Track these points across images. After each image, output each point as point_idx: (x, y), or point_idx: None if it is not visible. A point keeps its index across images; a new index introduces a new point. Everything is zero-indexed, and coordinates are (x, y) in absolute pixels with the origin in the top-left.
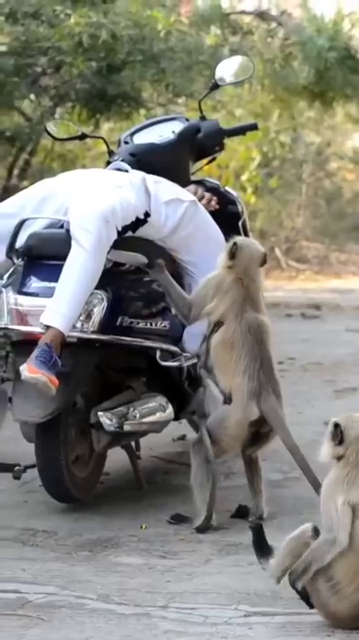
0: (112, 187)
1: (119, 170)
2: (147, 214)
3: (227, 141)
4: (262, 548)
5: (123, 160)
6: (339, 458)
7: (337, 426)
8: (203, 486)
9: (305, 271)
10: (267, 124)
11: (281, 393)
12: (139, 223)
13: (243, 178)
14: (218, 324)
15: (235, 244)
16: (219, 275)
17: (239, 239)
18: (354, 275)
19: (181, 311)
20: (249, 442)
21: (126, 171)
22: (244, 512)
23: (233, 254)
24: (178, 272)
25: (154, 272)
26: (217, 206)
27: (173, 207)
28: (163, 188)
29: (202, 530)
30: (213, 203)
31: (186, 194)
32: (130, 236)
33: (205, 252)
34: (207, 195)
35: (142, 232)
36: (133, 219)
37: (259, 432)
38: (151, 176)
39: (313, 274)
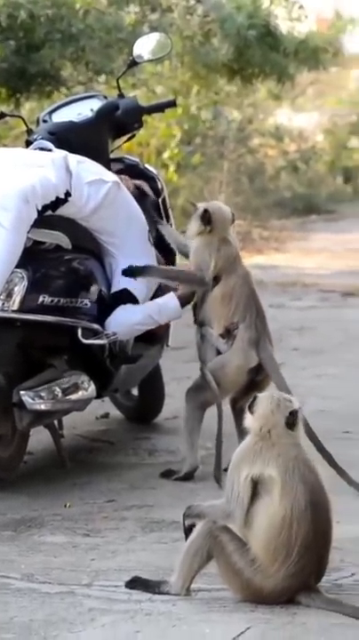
0: (32, 166)
1: (43, 149)
2: (67, 193)
3: (148, 119)
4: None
5: (42, 139)
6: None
7: (254, 397)
8: (193, 432)
9: None
10: (187, 100)
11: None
12: (59, 202)
13: (165, 155)
14: (215, 279)
15: (206, 210)
16: (202, 240)
17: (207, 205)
18: (276, 251)
19: (194, 281)
20: (243, 390)
21: (50, 150)
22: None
23: (208, 219)
24: (99, 252)
25: (147, 273)
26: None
27: (96, 187)
28: (86, 168)
29: (188, 477)
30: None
31: (109, 174)
32: (50, 214)
33: (126, 234)
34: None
35: (63, 211)
36: (53, 198)
37: (253, 380)
38: (74, 156)
39: None
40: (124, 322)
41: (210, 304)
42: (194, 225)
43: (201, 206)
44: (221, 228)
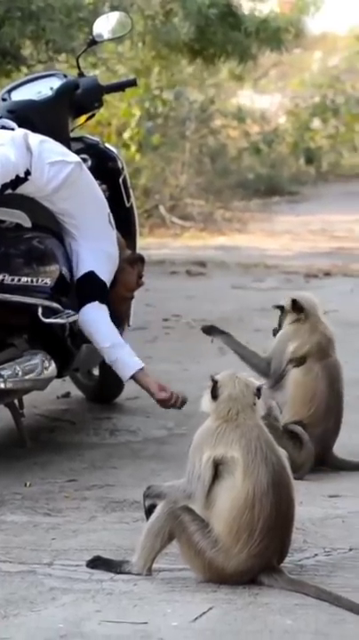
0: None
1: (4, 127)
2: (27, 172)
3: (109, 99)
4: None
5: (1, 117)
6: (214, 412)
7: (214, 381)
8: None
9: (189, 229)
10: (148, 80)
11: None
12: (19, 181)
13: (126, 135)
14: (300, 361)
15: (294, 300)
16: (292, 328)
17: (295, 296)
18: (238, 232)
19: (259, 368)
20: None
21: (12, 129)
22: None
23: (300, 309)
24: (60, 232)
25: (222, 339)
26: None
27: (58, 168)
28: (49, 148)
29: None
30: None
31: (72, 155)
32: (10, 193)
33: (87, 215)
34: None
35: (23, 190)
36: (13, 176)
37: None
38: (37, 135)
39: (197, 231)
40: (94, 324)
41: (289, 386)
42: (287, 317)
43: (292, 296)
44: (314, 316)
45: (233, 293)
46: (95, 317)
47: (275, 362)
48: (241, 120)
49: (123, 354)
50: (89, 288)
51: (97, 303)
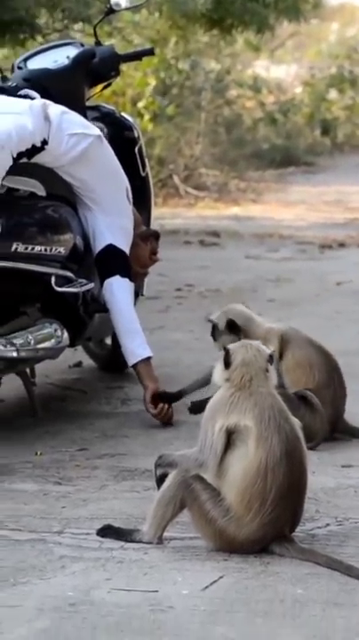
0: (9, 113)
1: (27, 97)
2: (44, 142)
3: (124, 68)
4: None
5: (16, 86)
6: (227, 381)
7: (226, 350)
8: None
9: (204, 198)
10: (164, 50)
11: None
12: (35, 150)
13: (140, 105)
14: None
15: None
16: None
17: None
18: (253, 202)
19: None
20: None
21: (33, 98)
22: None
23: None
24: (75, 202)
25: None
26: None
27: (77, 139)
28: (69, 119)
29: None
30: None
31: (93, 128)
32: (25, 162)
33: (106, 190)
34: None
35: (39, 159)
36: (29, 145)
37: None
38: (58, 106)
39: (212, 201)
40: (115, 304)
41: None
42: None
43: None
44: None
45: (246, 263)
46: (117, 296)
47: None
48: (257, 90)
49: (135, 340)
50: (110, 261)
51: (119, 277)
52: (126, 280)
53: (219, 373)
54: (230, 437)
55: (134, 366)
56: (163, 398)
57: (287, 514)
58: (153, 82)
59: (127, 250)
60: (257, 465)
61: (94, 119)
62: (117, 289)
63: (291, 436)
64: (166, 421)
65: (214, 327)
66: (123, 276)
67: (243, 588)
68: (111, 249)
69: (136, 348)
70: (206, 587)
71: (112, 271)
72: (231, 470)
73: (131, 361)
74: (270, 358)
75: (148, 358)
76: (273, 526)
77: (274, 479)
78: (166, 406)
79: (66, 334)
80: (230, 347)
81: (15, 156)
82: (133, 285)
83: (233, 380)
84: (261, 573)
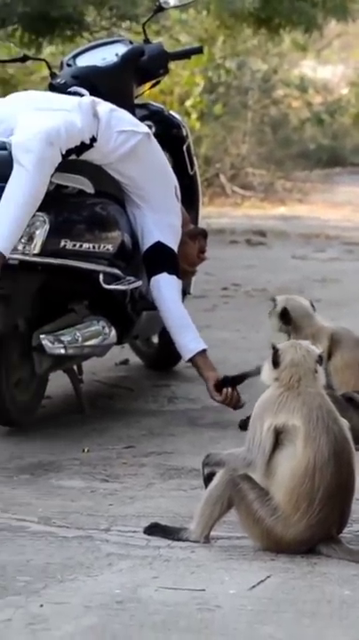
0: (59, 109)
1: (76, 94)
2: (93, 139)
3: (171, 67)
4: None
5: (65, 83)
6: (276, 380)
7: (275, 349)
8: None
9: (250, 198)
10: (211, 49)
11: None
12: (84, 147)
13: (188, 103)
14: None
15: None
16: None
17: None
18: (299, 202)
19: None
20: None
21: (82, 95)
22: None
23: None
24: (123, 200)
25: None
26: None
27: (125, 137)
28: (118, 117)
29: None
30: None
31: (141, 126)
32: (74, 159)
33: (154, 188)
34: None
35: (87, 156)
36: (78, 142)
37: None
38: (107, 103)
39: (258, 201)
40: (163, 302)
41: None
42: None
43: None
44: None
45: (293, 263)
46: (165, 294)
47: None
48: (303, 90)
49: (187, 335)
50: (158, 258)
51: (166, 274)
52: (174, 277)
53: (267, 372)
54: (278, 437)
55: (191, 361)
56: (226, 383)
57: (334, 514)
58: (201, 81)
59: (175, 248)
60: (305, 465)
61: (142, 117)
62: (165, 286)
63: (339, 437)
64: (235, 405)
65: (274, 308)
66: (170, 273)
67: (290, 589)
68: (159, 246)
69: (189, 342)
70: (253, 586)
71: (160, 268)
72: (279, 470)
73: (187, 356)
74: (319, 359)
75: (204, 351)
76: (320, 527)
77: (321, 479)
78: (231, 390)
79: (113, 332)
80: (279, 346)
81: (64, 152)
82: (181, 282)
83: (281, 379)
84: (308, 574)
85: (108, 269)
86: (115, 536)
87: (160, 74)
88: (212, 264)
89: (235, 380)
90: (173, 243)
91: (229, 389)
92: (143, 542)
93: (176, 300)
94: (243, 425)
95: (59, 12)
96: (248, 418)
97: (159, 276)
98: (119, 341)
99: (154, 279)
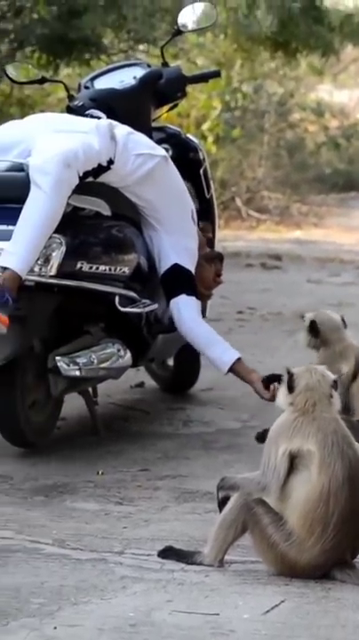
0: (76, 131)
1: (94, 117)
2: (110, 161)
3: (188, 90)
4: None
5: (82, 105)
6: (291, 405)
7: (289, 374)
8: None
9: (265, 221)
10: (229, 73)
11: None
12: (101, 170)
13: (204, 127)
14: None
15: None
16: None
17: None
18: (315, 226)
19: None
20: None
21: (99, 118)
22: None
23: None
24: (139, 222)
25: None
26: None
27: (143, 159)
28: (135, 139)
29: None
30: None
31: (158, 149)
32: (91, 181)
33: (171, 211)
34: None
35: (104, 179)
36: (96, 165)
37: None
38: (124, 126)
39: (273, 224)
40: (184, 314)
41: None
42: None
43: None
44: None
45: (308, 287)
46: (184, 315)
47: None
48: (320, 114)
49: (217, 349)
50: (176, 280)
51: (184, 296)
52: (192, 298)
53: (282, 397)
54: (293, 462)
55: (231, 371)
56: (272, 380)
57: (349, 539)
58: (218, 104)
59: (192, 270)
60: (319, 490)
61: (159, 140)
62: (184, 307)
63: (353, 462)
64: None
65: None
66: (189, 294)
67: (305, 613)
68: (177, 269)
69: (222, 355)
70: (267, 611)
71: (178, 291)
72: (293, 494)
73: (224, 369)
74: (334, 384)
75: (238, 359)
76: (334, 552)
77: (336, 504)
78: (278, 385)
79: (128, 354)
80: (294, 370)
81: (81, 175)
82: (200, 303)
83: (296, 404)
84: (323, 599)
85: (124, 292)
86: (129, 559)
87: (178, 97)
88: (228, 287)
89: (277, 377)
90: (190, 265)
91: (276, 384)
92: (157, 565)
93: (197, 319)
94: (260, 437)
95: (78, 34)
96: (265, 431)
97: (178, 299)
98: (134, 364)
99: (173, 302)
